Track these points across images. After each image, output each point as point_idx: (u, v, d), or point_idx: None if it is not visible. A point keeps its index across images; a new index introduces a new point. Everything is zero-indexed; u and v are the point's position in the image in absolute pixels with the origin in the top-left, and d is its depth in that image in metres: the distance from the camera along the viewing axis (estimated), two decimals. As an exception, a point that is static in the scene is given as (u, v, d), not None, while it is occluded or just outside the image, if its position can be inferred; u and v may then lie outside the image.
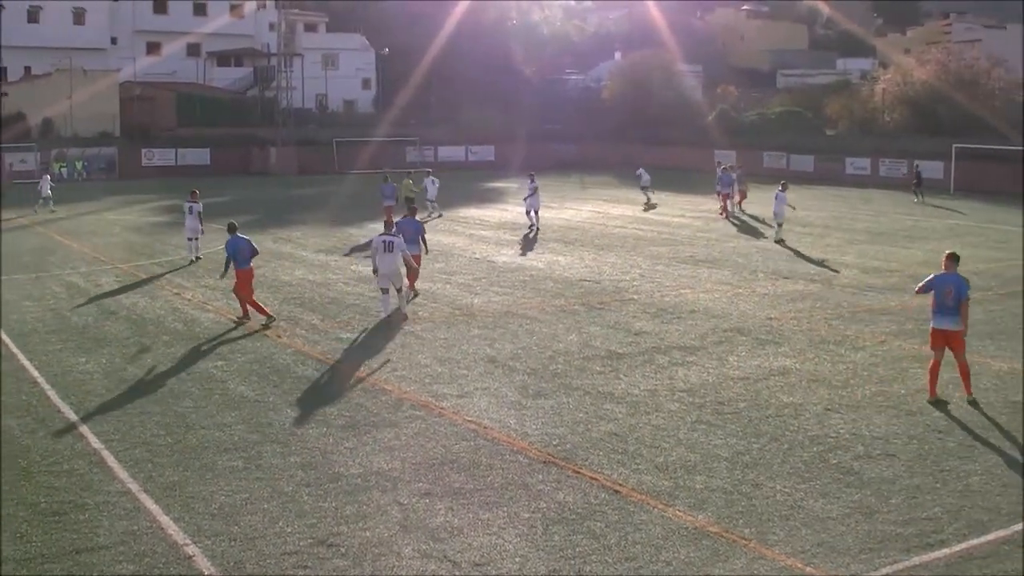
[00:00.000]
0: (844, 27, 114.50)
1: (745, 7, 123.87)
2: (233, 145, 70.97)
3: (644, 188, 48.72)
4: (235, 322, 20.51)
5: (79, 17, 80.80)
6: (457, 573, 9.43)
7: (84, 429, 13.63)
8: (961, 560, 9.64)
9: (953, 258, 15.13)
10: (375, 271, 21.27)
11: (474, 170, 71.18)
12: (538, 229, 36.36)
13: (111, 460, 12.38)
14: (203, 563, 9.58)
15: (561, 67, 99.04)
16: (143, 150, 68.67)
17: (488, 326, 20.15)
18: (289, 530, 10.32)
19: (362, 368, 16.98)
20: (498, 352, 17.92)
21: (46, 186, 44.86)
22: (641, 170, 49.91)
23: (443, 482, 11.65)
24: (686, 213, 43.32)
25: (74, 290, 24.65)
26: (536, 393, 15.34)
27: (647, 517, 10.62)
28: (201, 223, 29.09)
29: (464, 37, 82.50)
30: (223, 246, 21.88)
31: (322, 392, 15.64)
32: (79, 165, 65.61)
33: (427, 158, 71.22)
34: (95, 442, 13.06)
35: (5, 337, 19.18)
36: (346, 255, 30.43)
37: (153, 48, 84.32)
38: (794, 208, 35.91)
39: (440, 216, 41.04)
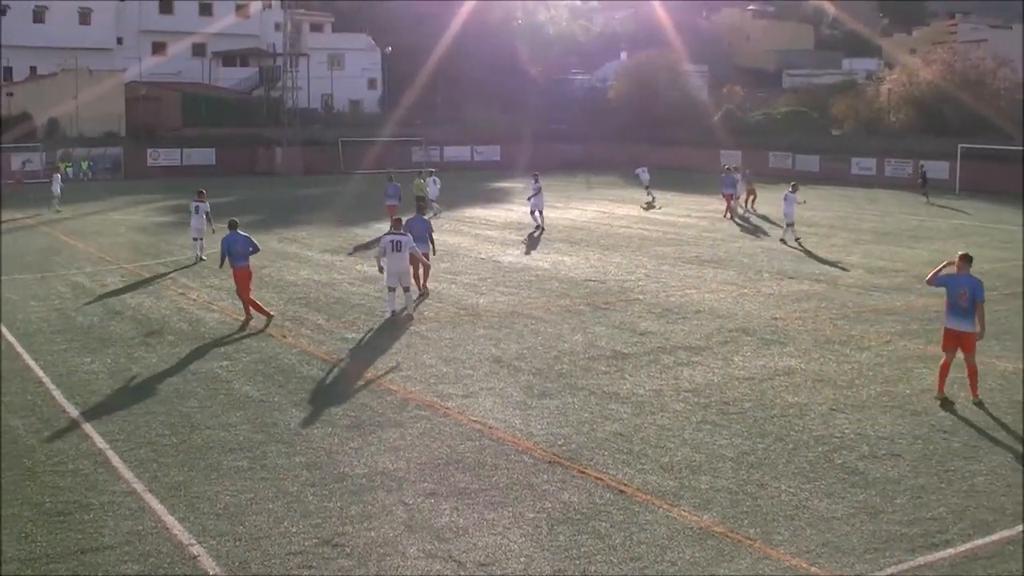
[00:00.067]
0: (850, 27, 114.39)
1: (751, 7, 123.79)
2: (238, 145, 71.02)
3: (646, 188, 48.75)
4: (241, 324, 20.51)
5: (85, 17, 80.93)
6: (462, 573, 9.43)
7: (89, 429, 13.65)
8: (966, 560, 9.63)
9: (966, 259, 15.06)
10: (380, 269, 21.27)
11: (480, 170, 71.18)
12: (543, 229, 36.38)
13: (116, 460, 12.40)
14: (208, 563, 9.59)
15: (567, 67, 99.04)
16: (148, 150, 68.73)
17: (493, 326, 20.16)
18: (294, 530, 10.32)
19: (367, 368, 16.99)
20: (503, 352, 17.92)
21: (56, 185, 45.08)
22: (641, 169, 49.91)
23: (448, 482, 11.65)
24: (691, 213, 43.30)
25: (79, 290, 24.69)
26: (541, 393, 15.34)
27: (652, 517, 10.61)
28: (210, 222, 29.15)
29: (470, 37, 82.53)
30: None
31: (327, 392, 15.65)
32: (84, 165, 65.68)
33: (432, 158, 71.22)
34: (100, 442, 13.08)
35: (11, 337, 19.22)
36: (350, 254, 30.45)
37: (159, 48, 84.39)
38: (804, 202, 35.92)
39: (438, 215, 40.83)
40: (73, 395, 15.33)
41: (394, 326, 20.21)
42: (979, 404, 14.63)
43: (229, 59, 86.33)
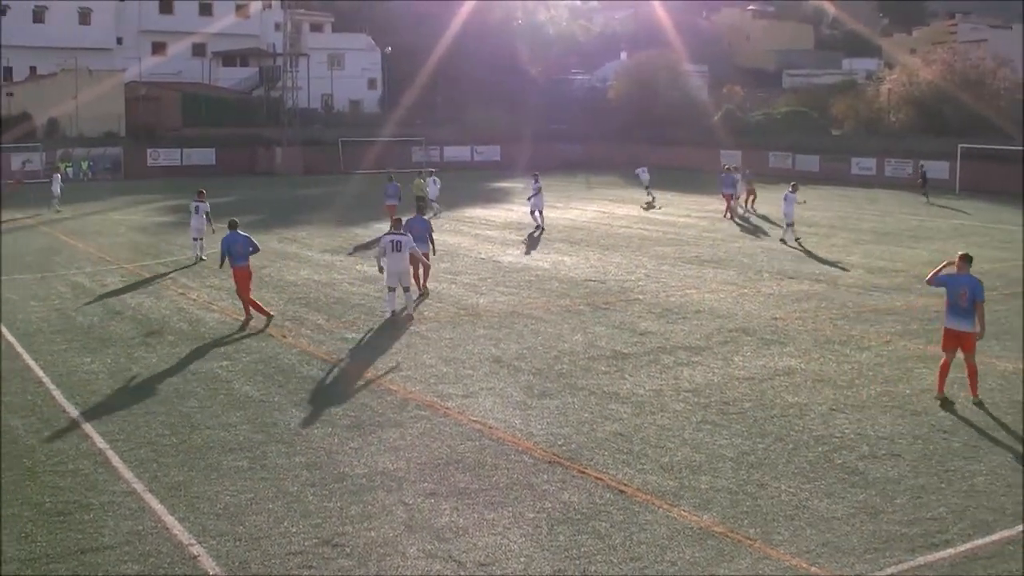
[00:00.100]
0: (850, 27, 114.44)
1: (751, 7, 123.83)
2: (238, 145, 71.02)
3: (646, 188, 48.76)
4: (241, 324, 20.51)
5: (85, 17, 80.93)
6: (462, 573, 9.43)
7: (89, 429, 13.65)
8: (966, 560, 9.63)
9: (966, 259, 15.06)
10: (380, 269, 21.27)
11: (480, 170, 71.18)
12: (543, 229, 36.38)
13: (116, 460, 12.40)
14: (208, 563, 9.59)
15: (567, 67, 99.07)
16: (148, 150, 68.72)
17: (493, 326, 20.16)
18: (294, 530, 10.33)
19: (367, 368, 16.99)
20: (503, 352, 17.93)
21: (56, 185, 45.14)
22: (641, 169, 49.92)
23: (448, 482, 11.65)
24: (692, 213, 43.30)
25: (79, 290, 24.69)
26: (541, 393, 15.34)
27: (652, 517, 10.62)
28: (210, 222, 29.16)
29: (470, 37, 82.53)
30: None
31: (327, 392, 15.65)
32: (84, 165, 65.67)
33: (433, 158, 71.23)
34: (100, 442, 13.08)
35: (11, 337, 19.22)
36: (350, 254, 30.46)
37: (159, 48, 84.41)
38: (804, 202, 35.93)
39: (438, 215, 40.81)
40: (73, 395, 15.33)
41: (394, 326, 20.22)
42: (979, 404, 14.64)
43: (229, 59, 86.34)
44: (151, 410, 14.55)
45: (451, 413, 14.33)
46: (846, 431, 13.49)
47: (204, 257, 29.03)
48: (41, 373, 16.61)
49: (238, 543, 10.01)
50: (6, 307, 22.20)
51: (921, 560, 9.60)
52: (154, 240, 35.00)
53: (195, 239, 29.61)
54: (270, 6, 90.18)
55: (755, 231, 37.00)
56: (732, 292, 24.00)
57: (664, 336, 19.21)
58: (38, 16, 78.88)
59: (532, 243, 33.37)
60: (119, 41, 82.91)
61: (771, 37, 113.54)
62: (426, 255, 22.73)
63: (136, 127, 71.68)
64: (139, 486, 11.51)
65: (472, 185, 57.47)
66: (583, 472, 11.91)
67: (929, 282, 15.50)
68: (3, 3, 76.67)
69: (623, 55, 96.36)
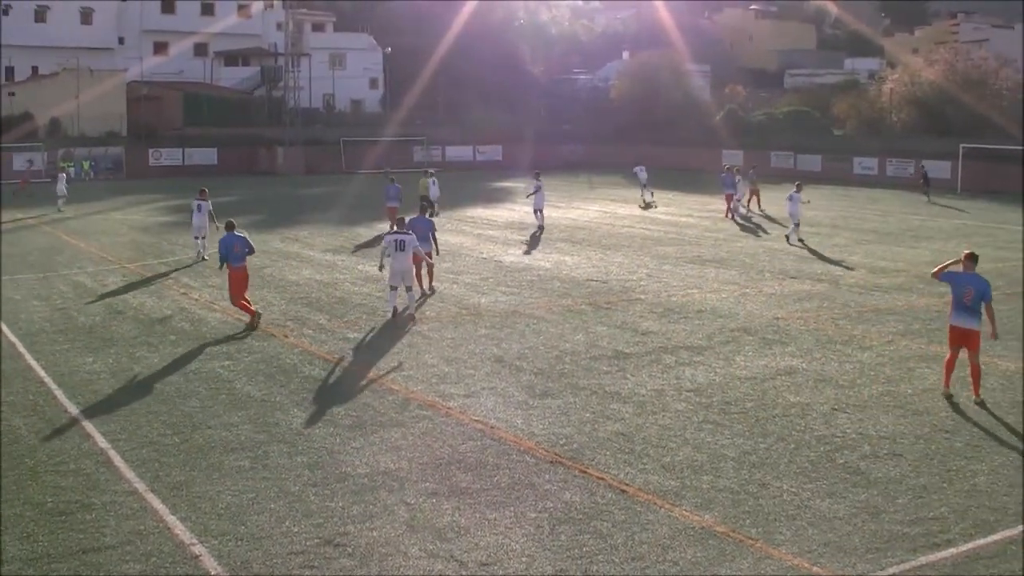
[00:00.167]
0: (852, 27, 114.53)
1: (753, 7, 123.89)
2: (240, 145, 71.09)
3: (643, 186, 48.74)
4: (245, 325, 20.49)
5: (86, 17, 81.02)
6: (464, 573, 9.42)
7: (91, 428, 13.64)
8: (967, 560, 9.62)
9: (972, 258, 15.06)
10: (381, 268, 21.27)
11: (481, 170, 71.22)
12: (543, 228, 36.37)
13: (118, 460, 12.40)
14: (210, 563, 9.59)
15: (569, 67, 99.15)
16: (150, 150, 68.82)
17: (495, 326, 20.16)
18: (296, 530, 10.32)
19: (369, 368, 16.99)
20: (505, 352, 17.92)
21: (62, 184, 45.23)
22: (639, 168, 49.89)
23: (450, 482, 11.65)
24: (693, 213, 43.30)
25: (81, 290, 24.70)
26: (543, 393, 15.34)
27: (654, 517, 10.61)
28: (213, 220, 29.15)
29: (472, 37, 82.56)
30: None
31: (329, 392, 15.65)
32: (86, 165, 65.74)
33: (434, 158, 71.24)
34: (102, 442, 13.08)
35: (13, 337, 19.23)
36: (353, 253, 30.46)
37: (160, 48, 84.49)
38: (808, 201, 35.93)
39: (436, 215, 40.63)
40: (75, 395, 15.33)
41: (396, 326, 20.22)
42: (981, 404, 14.63)
43: (231, 59, 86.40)
44: (153, 410, 14.56)
45: (453, 413, 14.33)
46: (848, 431, 13.48)
47: (206, 256, 29.04)
48: (43, 373, 16.61)
49: (240, 543, 10.01)
50: (8, 307, 22.22)
51: (923, 560, 9.59)
52: (156, 240, 35.01)
53: (197, 238, 29.62)
54: (272, 6, 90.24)
55: (757, 231, 36.99)
56: (734, 292, 23.99)
57: (666, 336, 19.21)
58: (40, 16, 78.97)
59: (534, 243, 33.36)
60: (121, 41, 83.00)
61: (773, 37, 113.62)
62: (428, 254, 22.76)
63: (138, 127, 71.75)
64: (141, 486, 11.51)
65: (474, 185, 57.50)
66: (585, 472, 11.91)
67: (935, 276, 15.54)
68: (5, 3, 76.72)
69: (625, 55, 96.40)
